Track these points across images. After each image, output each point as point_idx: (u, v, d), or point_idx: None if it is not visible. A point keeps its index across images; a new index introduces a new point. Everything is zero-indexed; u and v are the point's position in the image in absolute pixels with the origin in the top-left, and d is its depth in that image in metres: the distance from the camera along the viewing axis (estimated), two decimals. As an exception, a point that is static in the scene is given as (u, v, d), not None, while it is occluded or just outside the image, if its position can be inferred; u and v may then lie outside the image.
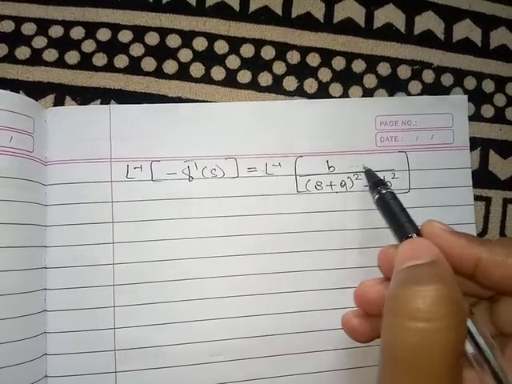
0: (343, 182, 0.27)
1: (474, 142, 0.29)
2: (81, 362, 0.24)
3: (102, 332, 0.25)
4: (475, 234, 0.28)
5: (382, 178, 0.28)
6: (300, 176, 0.27)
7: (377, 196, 0.25)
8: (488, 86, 0.30)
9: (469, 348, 0.19)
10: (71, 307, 0.25)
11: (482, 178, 0.29)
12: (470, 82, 0.30)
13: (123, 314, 0.25)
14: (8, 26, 0.28)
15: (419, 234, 0.21)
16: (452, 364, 0.16)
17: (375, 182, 0.25)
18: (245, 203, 0.27)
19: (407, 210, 0.23)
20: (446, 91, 0.30)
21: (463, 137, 0.28)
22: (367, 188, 0.27)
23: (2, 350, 0.22)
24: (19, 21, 0.28)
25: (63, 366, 0.24)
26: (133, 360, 0.25)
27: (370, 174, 0.26)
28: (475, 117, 0.29)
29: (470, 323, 0.19)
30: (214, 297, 0.26)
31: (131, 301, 0.25)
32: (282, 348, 0.26)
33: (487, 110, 0.30)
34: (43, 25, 0.28)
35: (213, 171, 0.27)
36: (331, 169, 0.27)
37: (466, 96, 0.29)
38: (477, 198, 0.29)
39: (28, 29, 0.28)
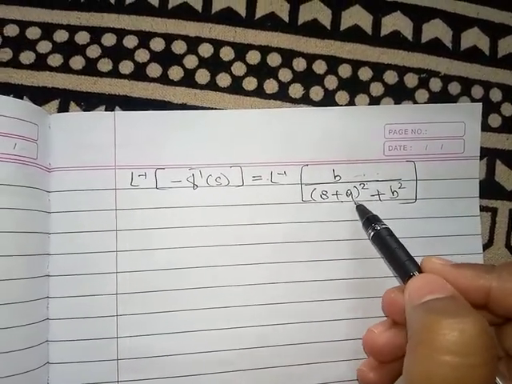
0: (349, 192, 0.27)
1: (481, 152, 0.29)
2: (83, 371, 0.24)
3: (105, 341, 0.25)
4: (481, 245, 0.28)
5: (389, 187, 0.27)
6: (305, 185, 0.27)
7: (372, 233, 0.24)
8: (495, 95, 0.30)
9: None
10: (74, 316, 0.25)
11: (489, 188, 0.29)
12: (478, 91, 0.30)
13: (126, 322, 0.25)
14: (12, 31, 0.28)
15: (421, 272, 0.21)
16: None
17: (369, 219, 0.25)
18: (250, 212, 0.26)
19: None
20: (453, 100, 0.29)
21: (474, 146, 0.28)
22: (373, 198, 0.27)
23: (5, 359, 0.22)
24: (24, 25, 0.28)
25: (65, 375, 0.24)
26: (136, 369, 0.25)
27: (362, 210, 0.26)
28: (482, 126, 0.29)
29: None
30: (218, 306, 0.26)
31: (134, 310, 0.25)
32: (288, 358, 0.26)
33: (494, 120, 0.30)
34: (48, 29, 0.28)
35: (218, 179, 0.26)
36: (337, 178, 0.27)
37: (480, 104, 0.28)
38: (483, 208, 0.29)
39: (32, 33, 0.28)
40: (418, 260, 0.22)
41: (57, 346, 0.24)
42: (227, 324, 0.26)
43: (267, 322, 0.26)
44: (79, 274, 0.25)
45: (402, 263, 0.22)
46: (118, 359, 0.25)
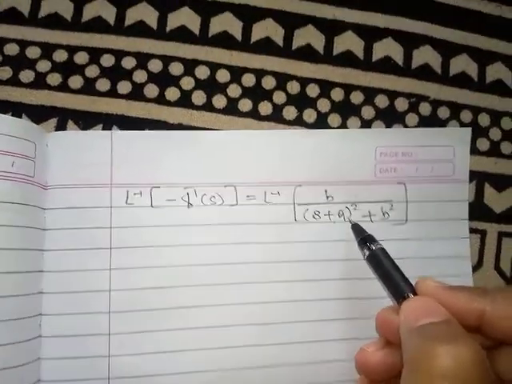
0: (341, 212, 0.28)
1: (470, 175, 0.29)
2: (74, 390, 0.24)
3: (97, 359, 0.25)
4: (470, 267, 0.28)
5: (380, 208, 0.28)
6: (298, 205, 0.27)
7: (367, 253, 0.24)
8: (484, 119, 0.31)
9: None
10: (66, 333, 0.25)
11: (478, 210, 0.30)
12: (466, 116, 0.31)
13: (118, 341, 0.25)
14: (13, 50, 0.28)
15: (415, 294, 0.22)
16: None
17: (364, 238, 0.25)
18: (243, 231, 0.27)
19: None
20: (442, 124, 0.30)
21: (463, 169, 0.29)
22: (364, 219, 0.28)
23: (-5, 377, 0.22)
24: (24, 44, 0.28)
25: (56, 393, 0.24)
26: (127, 388, 0.25)
27: (357, 229, 0.26)
28: (471, 150, 0.29)
29: None
30: (211, 326, 0.26)
31: (127, 328, 0.25)
32: (279, 379, 0.26)
33: (483, 144, 0.30)
34: (48, 49, 0.28)
35: (212, 198, 0.27)
36: (329, 198, 0.28)
37: (470, 128, 0.29)
38: (472, 230, 0.29)
39: (32, 52, 0.28)
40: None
41: (49, 363, 0.24)
42: (221, 344, 0.26)
43: (260, 342, 0.26)
44: (72, 292, 0.25)
45: (396, 284, 0.22)
46: (109, 378, 0.25)
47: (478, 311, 0.19)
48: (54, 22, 0.29)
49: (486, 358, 0.17)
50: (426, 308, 0.19)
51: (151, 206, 0.26)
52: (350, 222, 0.26)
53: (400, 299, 0.22)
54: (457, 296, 0.20)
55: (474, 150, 0.30)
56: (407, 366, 0.18)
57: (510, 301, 0.19)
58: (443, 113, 0.30)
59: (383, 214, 0.28)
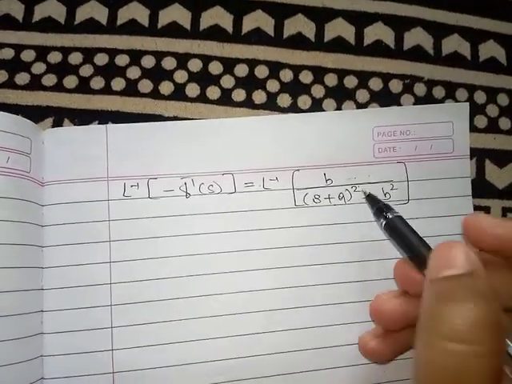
0: (341, 195, 0.27)
1: (470, 153, 0.29)
2: (78, 386, 0.24)
3: (100, 354, 0.24)
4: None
5: (381, 189, 0.27)
6: (297, 190, 0.27)
7: (384, 222, 0.24)
8: (480, 97, 0.30)
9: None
10: (68, 329, 0.24)
11: (480, 187, 0.29)
12: (462, 94, 0.30)
13: (121, 334, 0.24)
14: (8, 54, 0.29)
15: None
16: None
17: (379, 208, 0.25)
18: (243, 218, 0.26)
19: (417, 232, 0.23)
20: (438, 103, 0.30)
21: (464, 145, 0.28)
22: (365, 200, 0.27)
23: (-3, 374, 0.22)
24: (19, 48, 0.29)
25: (60, 390, 0.24)
26: (132, 382, 0.24)
27: (372, 199, 0.26)
28: (469, 127, 0.29)
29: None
30: (214, 315, 0.25)
31: (129, 321, 0.25)
32: (285, 366, 0.25)
33: (480, 121, 0.30)
34: (42, 51, 0.29)
35: (210, 187, 0.27)
36: (328, 181, 0.27)
37: (467, 103, 0.28)
38: (476, 207, 0.29)
39: (27, 56, 0.29)
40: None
41: (52, 360, 0.24)
42: (225, 333, 0.25)
43: (265, 330, 0.25)
44: (73, 287, 0.25)
45: (416, 250, 0.22)
46: (113, 372, 0.24)
47: None
48: (48, 25, 0.29)
49: (501, 320, 0.16)
50: (451, 257, 0.18)
51: (149, 197, 0.26)
52: (364, 192, 0.26)
53: (423, 267, 0.21)
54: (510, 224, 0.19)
55: (473, 128, 0.30)
56: (418, 324, 0.17)
57: None
58: (438, 92, 0.30)
59: (384, 195, 0.27)
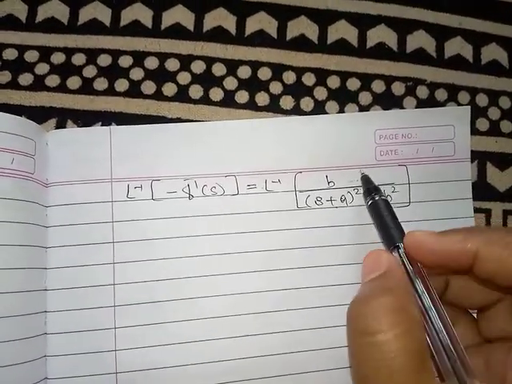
0: (343, 197, 0.27)
1: (471, 155, 0.29)
2: (82, 386, 0.24)
3: (104, 354, 0.24)
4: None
5: (382, 191, 0.28)
6: (300, 192, 0.27)
7: (369, 202, 0.25)
8: (482, 100, 0.31)
9: None
10: (72, 330, 0.24)
11: (481, 190, 0.29)
12: (464, 97, 0.30)
13: (124, 335, 0.25)
14: (11, 54, 0.29)
15: None
16: (411, 370, 0.17)
17: (369, 189, 0.26)
18: (245, 220, 0.27)
19: (398, 219, 0.24)
20: (440, 106, 0.30)
21: (465, 149, 0.28)
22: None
23: (2, 374, 0.22)
24: (22, 49, 0.29)
25: (63, 390, 0.24)
26: (135, 383, 0.24)
27: (366, 180, 0.27)
28: (471, 130, 0.29)
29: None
30: (217, 316, 0.25)
31: (133, 322, 0.25)
32: (287, 367, 0.25)
33: (482, 124, 0.30)
34: (46, 52, 0.29)
35: (213, 189, 0.27)
36: (331, 184, 0.27)
37: (469, 107, 0.29)
38: (477, 210, 0.29)
39: (31, 56, 0.29)
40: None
41: (55, 360, 0.24)
42: (230, 334, 0.25)
43: (265, 331, 0.26)
44: (77, 287, 0.25)
45: (389, 233, 0.23)
46: (116, 372, 0.24)
47: (472, 251, 0.19)
48: (51, 26, 0.29)
49: (408, 307, 0.18)
50: (372, 262, 0.20)
51: (152, 198, 0.26)
52: (361, 173, 0.27)
53: (391, 248, 0.22)
54: (449, 239, 0.20)
55: (474, 131, 0.30)
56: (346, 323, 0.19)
57: (505, 241, 0.19)
58: (441, 95, 0.30)
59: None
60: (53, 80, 0.29)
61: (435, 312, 0.19)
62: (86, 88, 0.29)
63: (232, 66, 0.30)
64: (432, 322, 0.19)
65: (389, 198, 0.28)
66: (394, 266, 0.20)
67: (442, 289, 0.22)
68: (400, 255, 0.22)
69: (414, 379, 0.17)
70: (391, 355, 0.17)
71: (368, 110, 0.30)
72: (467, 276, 0.21)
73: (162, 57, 0.29)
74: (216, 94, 0.29)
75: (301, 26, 0.31)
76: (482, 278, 0.20)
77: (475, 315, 0.23)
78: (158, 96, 0.29)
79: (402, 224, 0.27)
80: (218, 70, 0.29)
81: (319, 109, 0.29)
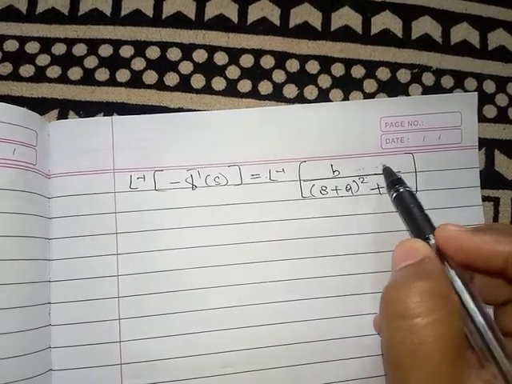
0: (348, 186, 0.27)
1: (479, 143, 0.29)
2: (87, 377, 0.24)
3: (108, 345, 0.24)
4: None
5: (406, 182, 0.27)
6: (304, 181, 0.27)
7: (394, 194, 0.25)
8: (489, 86, 0.30)
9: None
10: (76, 321, 0.24)
11: (489, 178, 0.29)
12: (471, 83, 0.30)
13: (129, 326, 0.25)
14: (12, 46, 0.28)
15: None
16: (448, 355, 0.16)
17: (393, 181, 0.25)
18: (249, 210, 0.26)
19: (424, 210, 0.23)
20: (447, 93, 0.30)
21: (472, 136, 0.28)
22: (373, 191, 0.27)
23: (6, 365, 0.22)
24: (23, 40, 0.29)
25: (68, 381, 0.24)
26: (140, 374, 0.24)
27: (388, 172, 0.26)
28: (478, 117, 0.29)
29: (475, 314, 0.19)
30: (222, 306, 0.25)
31: (137, 313, 0.25)
32: (293, 358, 0.25)
33: (490, 111, 0.30)
34: (46, 43, 0.29)
35: (216, 179, 0.26)
36: (336, 173, 0.27)
37: (476, 93, 0.28)
38: (485, 198, 0.28)
39: (32, 47, 0.29)
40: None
41: (59, 352, 0.24)
42: (232, 324, 0.25)
43: (270, 321, 0.25)
44: (81, 279, 0.25)
45: (418, 226, 0.22)
46: (121, 364, 0.24)
47: (505, 254, 0.18)
48: (52, 16, 0.29)
49: (447, 292, 0.18)
50: (406, 250, 0.20)
51: (155, 189, 0.26)
52: (382, 166, 0.27)
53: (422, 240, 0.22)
54: (481, 239, 0.19)
55: (482, 118, 0.29)
56: (379, 309, 0.19)
57: None
58: (447, 82, 0.30)
59: (392, 186, 0.27)
60: (54, 71, 0.28)
61: (472, 300, 0.19)
62: (88, 79, 0.28)
63: (234, 54, 0.29)
64: (468, 309, 0.19)
65: (407, 183, 0.27)
66: (431, 254, 0.20)
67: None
68: (431, 247, 0.21)
69: (450, 366, 0.16)
70: (429, 340, 0.16)
71: (373, 98, 0.29)
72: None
73: (164, 46, 0.29)
74: (218, 83, 0.29)
75: (304, 13, 0.30)
76: None
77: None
78: (160, 86, 0.28)
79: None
80: (220, 58, 0.29)
81: (323, 97, 0.29)
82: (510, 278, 0.19)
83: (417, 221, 0.23)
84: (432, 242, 0.21)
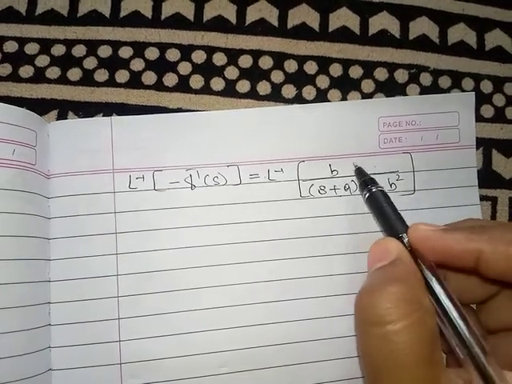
0: (347, 186, 0.27)
1: (476, 142, 0.29)
2: (86, 377, 0.24)
3: (108, 345, 0.24)
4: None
5: (387, 180, 0.27)
6: (303, 181, 0.27)
7: (367, 194, 0.25)
8: (486, 86, 0.30)
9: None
10: (76, 321, 0.24)
11: (487, 177, 0.29)
12: (468, 84, 0.30)
13: (128, 326, 0.25)
14: (12, 47, 0.29)
15: None
16: (423, 359, 0.16)
17: (365, 181, 0.25)
18: (248, 210, 0.26)
19: (398, 209, 0.24)
20: (444, 93, 0.30)
21: (470, 135, 0.28)
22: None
23: (6, 365, 0.22)
24: (22, 41, 0.29)
25: (68, 381, 0.24)
26: (139, 373, 0.24)
27: (360, 172, 0.26)
28: (476, 117, 0.29)
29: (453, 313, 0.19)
30: (220, 306, 0.25)
31: (136, 312, 0.25)
32: (287, 358, 0.25)
33: (487, 110, 0.30)
34: (46, 44, 0.29)
35: (215, 179, 0.26)
36: (334, 172, 0.27)
37: (473, 93, 0.28)
38: (482, 198, 0.28)
39: (31, 48, 0.29)
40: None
41: (59, 352, 0.24)
42: (231, 324, 0.25)
43: (269, 321, 0.25)
44: (80, 278, 0.25)
45: (391, 225, 0.22)
46: (121, 363, 0.24)
47: (476, 252, 0.18)
48: (51, 18, 0.29)
49: (419, 297, 0.18)
50: (380, 251, 0.20)
51: (154, 189, 0.26)
52: (355, 165, 0.26)
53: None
54: (452, 237, 0.19)
55: (479, 118, 0.29)
56: (354, 313, 0.19)
57: (508, 239, 0.18)
58: (444, 82, 0.30)
59: (390, 185, 0.27)
60: (53, 72, 0.28)
61: (446, 298, 0.19)
62: (87, 79, 0.28)
63: (233, 55, 0.29)
64: (443, 308, 0.19)
65: (393, 186, 0.27)
66: (404, 254, 0.20)
67: None
68: (405, 246, 0.21)
69: (426, 369, 0.16)
70: (402, 346, 0.16)
71: (371, 98, 0.29)
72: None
73: (163, 47, 0.29)
74: (217, 83, 0.29)
75: (302, 14, 0.30)
76: (489, 277, 0.19)
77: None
78: (159, 86, 0.29)
79: (406, 212, 0.26)
80: (219, 59, 0.29)
81: (321, 97, 0.29)
82: (484, 276, 0.19)
83: (390, 220, 0.23)
84: (406, 240, 0.21)
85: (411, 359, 0.16)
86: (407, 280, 0.18)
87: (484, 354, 0.17)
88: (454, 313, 0.19)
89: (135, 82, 0.29)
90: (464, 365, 0.18)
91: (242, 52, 0.29)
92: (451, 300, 0.19)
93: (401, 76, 0.30)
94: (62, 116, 0.28)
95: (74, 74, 0.29)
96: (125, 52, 0.29)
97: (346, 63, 0.30)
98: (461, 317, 0.18)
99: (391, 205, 0.24)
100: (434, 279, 0.20)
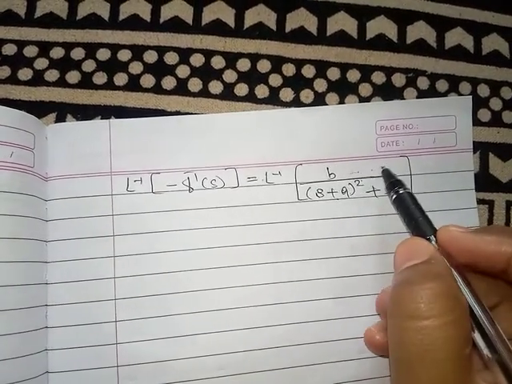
0: (344, 189, 0.27)
1: (473, 146, 0.29)
2: (83, 380, 0.24)
3: (105, 348, 0.24)
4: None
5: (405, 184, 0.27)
6: (300, 184, 0.27)
7: (394, 196, 0.25)
8: (483, 90, 0.30)
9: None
10: (73, 323, 0.24)
11: (484, 181, 0.29)
12: (465, 87, 0.30)
13: (125, 328, 0.25)
14: (10, 49, 0.29)
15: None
16: (457, 357, 0.16)
17: (392, 183, 0.25)
18: (246, 213, 0.26)
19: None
20: (441, 96, 0.30)
21: (467, 139, 0.28)
22: (369, 194, 0.27)
23: (3, 367, 0.22)
24: (21, 44, 0.29)
25: (65, 383, 0.24)
26: (136, 376, 0.24)
27: (387, 174, 0.26)
28: (473, 121, 0.29)
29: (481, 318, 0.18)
30: (217, 309, 0.25)
31: (133, 315, 0.25)
32: (288, 360, 0.25)
33: (484, 114, 0.30)
34: (45, 47, 0.29)
35: (213, 182, 0.27)
36: (332, 176, 0.27)
37: (470, 97, 0.28)
38: (479, 201, 0.29)
39: (30, 51, 0.29)
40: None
41: (56, 354, 0.24)
42: (229, 326, 0.25)
43: (268, 324, 0.25)
44: (77, 281, 0.25)
45: (419, 227, 0.22)
46: (117, 366, 0.24)
47: (507, 254, 0.18)
48: (50, 21, 0.29)
49: (457, 293, 0.18)
50: (411, 251, 0.20)
51: (152, 192, 0.26)
52: (381, 168, 0.27)
53: None
54: (483, 240, 0.19)
55: (476, 121, 0.30)
56: (388, 307, 0.19)
57: None
58: (442, 86, 0.30)
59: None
60: (52, 75, 0.29)
61: (476, 301, 0.19)
62: (86, 82, 0.29)
63: (231, 58, 0.29)
64: (473, 310, 0.19)
65: (406, 185, 0.27)
66: (436, 254, 0.20)
67: None
68: (434, 247, 0.21)
69: (459, 368, 0.16)
70: (440, 341, 0.16)
71: (368, 101, 0.29)
72: (476, 277, 0.21)
73: (161, 50, 0.29)
74: (215, 86, 0.29)
75: (300, 18, 0.30)
76: None
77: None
78: (157, 89, 0.29)
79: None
80: (217, 62, 0.29)
81: (319, 101, 0.29)
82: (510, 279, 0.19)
83: (418, 222, 0.23)
84: (433, 242, 0.21)
85: (447, 356, 0.16)
86: (446, 277, 0.18)
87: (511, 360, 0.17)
88: (482, 315, 0.18)
89: (134, 84, 0.29)
90: (490, 368, 0.18)
91: (241, 55, 0.30)
92: (479, 302, 0.19)
93: (398, 80, 0.30)
94: (60, 119, 0.28)
95: (73, 76, 0.29)
96: (123, 55, 0.29)
97: (344, 67, 0.30)
98: (489, 320, 0.18)
99: (419, 206, 0.24)
100: (462, 280, 0.20)
